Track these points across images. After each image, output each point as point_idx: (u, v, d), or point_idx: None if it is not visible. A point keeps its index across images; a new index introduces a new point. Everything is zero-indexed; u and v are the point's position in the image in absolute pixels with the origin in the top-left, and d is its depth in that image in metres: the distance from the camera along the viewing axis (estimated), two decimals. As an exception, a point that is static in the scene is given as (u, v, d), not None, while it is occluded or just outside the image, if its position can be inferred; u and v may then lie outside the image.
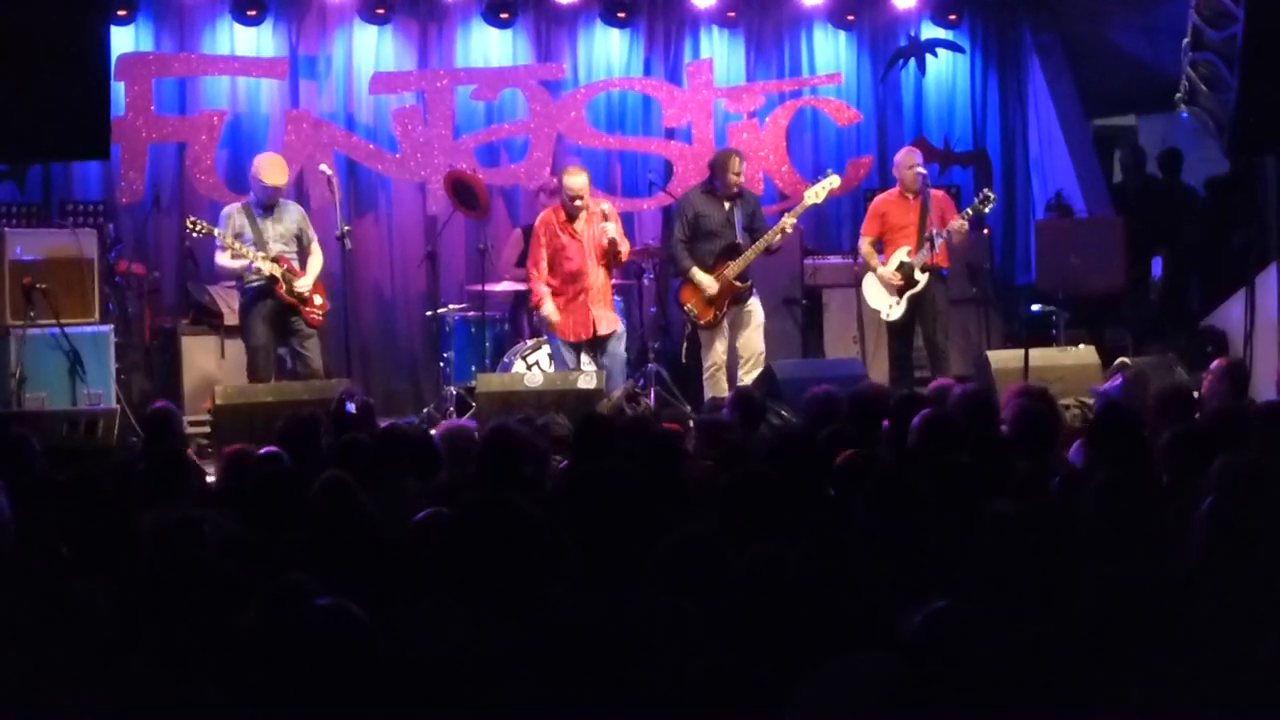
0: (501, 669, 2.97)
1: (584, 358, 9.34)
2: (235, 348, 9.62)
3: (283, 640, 3.01)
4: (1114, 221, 11.33)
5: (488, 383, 9.07)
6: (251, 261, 8.97)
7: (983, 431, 5.50)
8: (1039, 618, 3.24)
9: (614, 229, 9.32)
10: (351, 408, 7.38)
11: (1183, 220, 12.30)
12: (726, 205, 9.50)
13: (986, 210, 10.11)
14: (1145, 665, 3.02)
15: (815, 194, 9.66)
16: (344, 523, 4.43)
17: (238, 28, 10.87)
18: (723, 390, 9.14)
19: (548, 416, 8.01)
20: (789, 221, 9.46)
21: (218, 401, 8.52)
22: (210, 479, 6.33)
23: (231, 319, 9.78)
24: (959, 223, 9.73)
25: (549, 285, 9.33)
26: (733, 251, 9.42)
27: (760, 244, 9.38)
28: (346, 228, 9.45)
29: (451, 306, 10.38)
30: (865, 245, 9.91)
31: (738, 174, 9.49)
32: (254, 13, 10.75)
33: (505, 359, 9.87)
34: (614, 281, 9.70)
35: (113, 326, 9.45)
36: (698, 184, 9.92)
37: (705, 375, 9.58)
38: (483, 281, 10.04)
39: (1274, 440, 5.44)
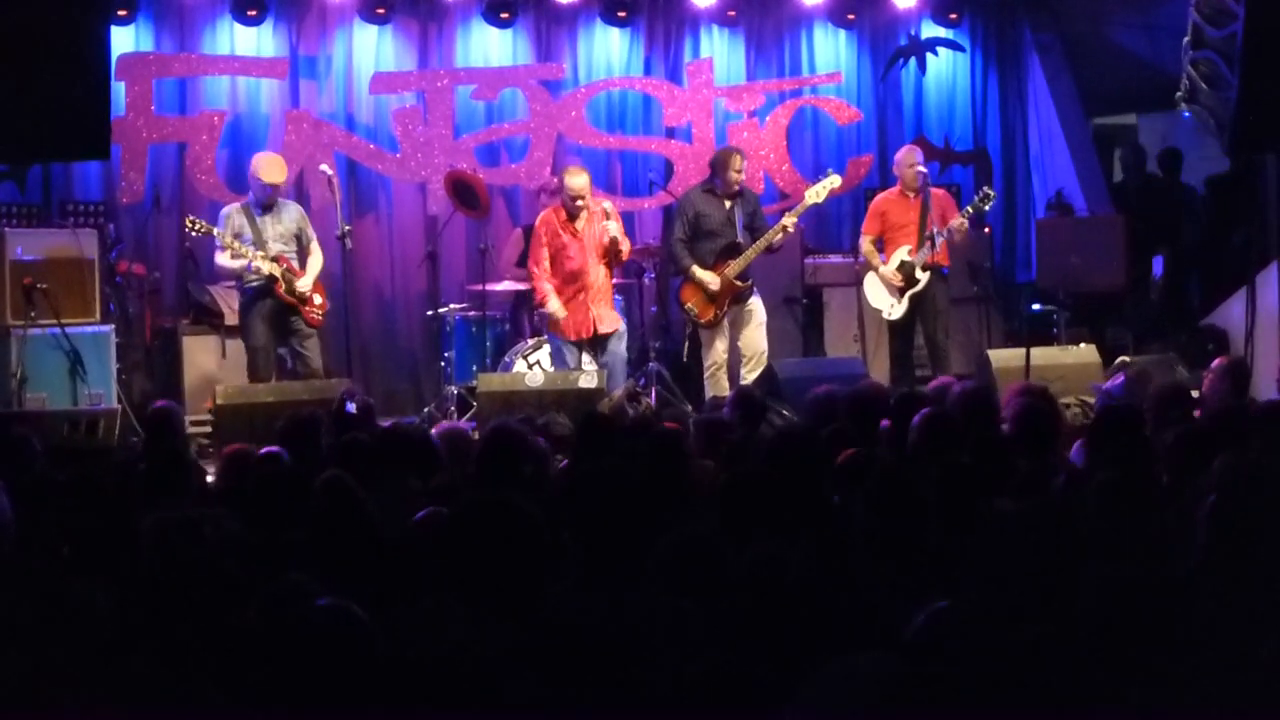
0: (501, 669, 2.96)
1: (585, 357, 9.33)
2: (236, 348, 9.62)
3: (283, 640, 3.01)
4: (1114, 220, 11.32)
5: (488, 382, 9.06)
6: (251, 261, 8.96)
7: (983, 431, 5.49)
8: (1039, 618, 3.24)
9: (615, 227, 9.31)
10: (352, 408, 7.38)
11: (1183, 219, 12.30)
12: (727, 204, 9.49)
13: (987, 209, 10.10)
14: (1145, 665, 3.02)
15: (816, 193, 9.64)
16: (344, 523, 4.43)
17: (238, 28, 10.87)
18: (723, 389, 9.13)
19: (549, 416, 8.01)
20: (790, 221, 9.44)
21: (218, 401, 8.53)
22: (210, 479, 6.32)
23: (232, 319, 9.78)
24: (959, 221, 9.72)
25: (550, 284, 9.34)
26: (733, 250, 9.41)
27: (761, 243, 9.37)
28: (347, 228, 9.44)
29: (452, 306, 10.38)
30: (866, 244, 9.91)
31: (739, 172, 9.48)
32: (254, 13, 10.75)
33: (506, 358, 9.86)
34: (615, 281, 9.69)
35: (113, 326, 9.46)
36: (698, 183, 9.92)
37: (706, 374, 9.57)
38: (483, 281, 10.04)
39: (1275, 439, 5.44)
